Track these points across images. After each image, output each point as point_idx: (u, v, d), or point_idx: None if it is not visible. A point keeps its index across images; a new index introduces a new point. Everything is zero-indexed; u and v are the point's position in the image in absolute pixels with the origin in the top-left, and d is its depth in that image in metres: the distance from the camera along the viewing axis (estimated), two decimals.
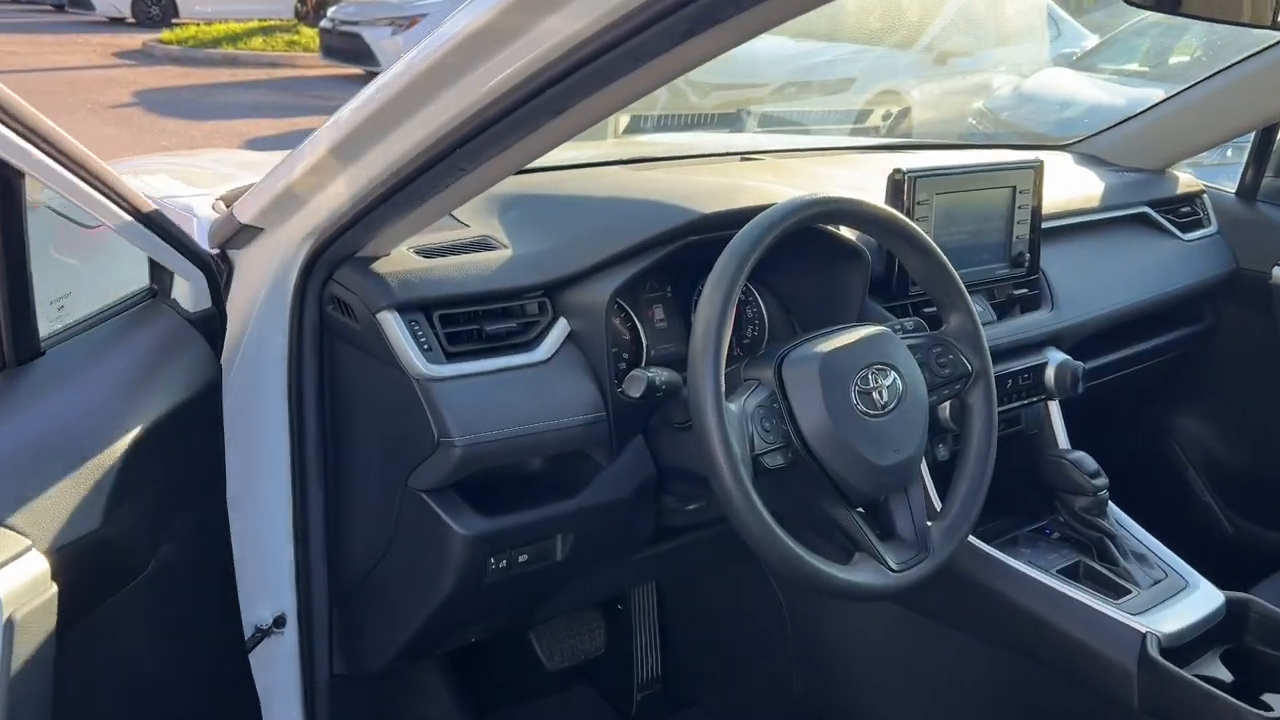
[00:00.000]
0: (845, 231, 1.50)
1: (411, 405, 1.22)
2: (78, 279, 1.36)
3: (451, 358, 1.24)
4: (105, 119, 8.20)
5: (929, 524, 1.28)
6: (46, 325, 1.10)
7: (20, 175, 1.01)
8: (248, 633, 1.37)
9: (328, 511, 1.34)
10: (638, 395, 1.24)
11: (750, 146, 2.09)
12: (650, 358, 1.43)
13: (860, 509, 1.26)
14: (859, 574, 1.19)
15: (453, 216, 1.41)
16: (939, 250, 1.34)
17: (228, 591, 1.33)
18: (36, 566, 0.95)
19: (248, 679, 1.38)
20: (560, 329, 1.32)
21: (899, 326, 1.36)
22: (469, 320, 1.27)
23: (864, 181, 1.67)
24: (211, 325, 1.25)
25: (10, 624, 0.89)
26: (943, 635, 1.58)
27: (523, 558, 1.32)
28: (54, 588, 0.95)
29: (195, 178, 1.63)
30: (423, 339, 1.23)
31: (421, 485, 1.25)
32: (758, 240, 1.19)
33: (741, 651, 1.99)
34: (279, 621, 1.38)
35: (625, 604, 2.02)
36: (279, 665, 1.40)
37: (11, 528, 0.94)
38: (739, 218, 1.24)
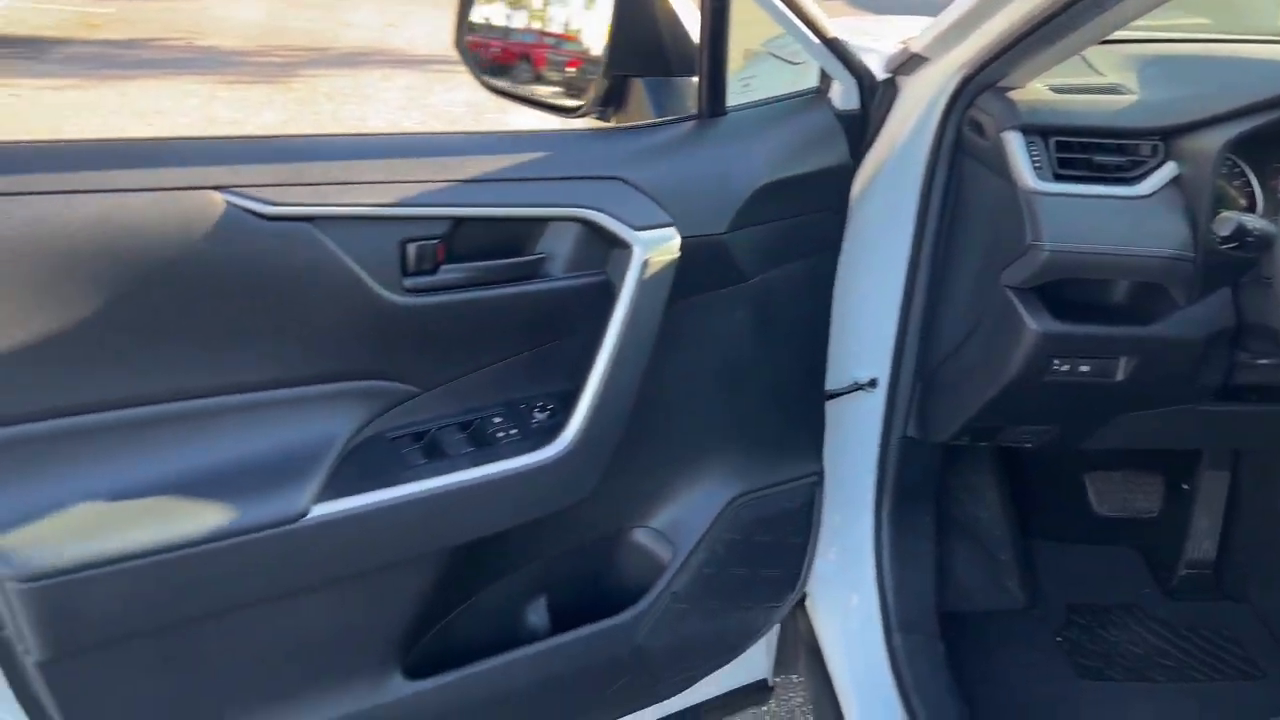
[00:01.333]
0: None
1: (1014, 213, 1.45)
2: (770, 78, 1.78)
3: (1058, 178, 1.44)
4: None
5: None
6: (733, 98, 1.49)
7: None
8: (842, 384, 1.72)
9: (929, 296, 1.62)
10: (1225, 234, 1.32)
11: None
12: None
13: None
14: None
15: (1091, 66, 1.58)
16: None
17: (816, 342, 1.64)
18: (672, 238, 1.35)
19: (819, 421, 1.71)
20: (1168, 170, 1.44)
21: None
22: (1082, 150, 1.45)
23: None
24: (852, 125, 1.55)
25: (645, 263, 1.32)
26: None
27: (1084, 367, 1.50)
28: (677, 255, 1.35)
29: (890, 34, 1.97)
30: (1037, 158, 1.45)
31: (1008, 282, 1.49)
32: None
33: None
34: (872, 383, 1.72)
35: (1191, 483, 2.05)
36: (864, 419, 1.75)
37: (666, 210, 1.35)
38: None
